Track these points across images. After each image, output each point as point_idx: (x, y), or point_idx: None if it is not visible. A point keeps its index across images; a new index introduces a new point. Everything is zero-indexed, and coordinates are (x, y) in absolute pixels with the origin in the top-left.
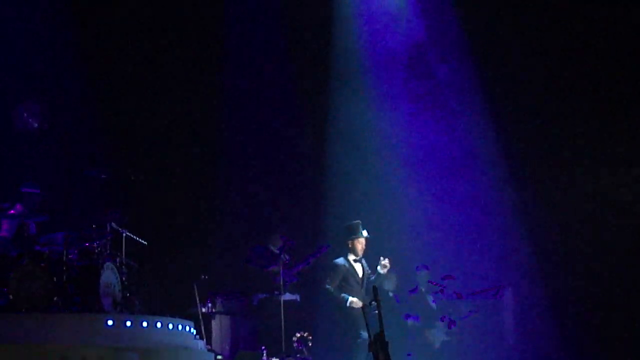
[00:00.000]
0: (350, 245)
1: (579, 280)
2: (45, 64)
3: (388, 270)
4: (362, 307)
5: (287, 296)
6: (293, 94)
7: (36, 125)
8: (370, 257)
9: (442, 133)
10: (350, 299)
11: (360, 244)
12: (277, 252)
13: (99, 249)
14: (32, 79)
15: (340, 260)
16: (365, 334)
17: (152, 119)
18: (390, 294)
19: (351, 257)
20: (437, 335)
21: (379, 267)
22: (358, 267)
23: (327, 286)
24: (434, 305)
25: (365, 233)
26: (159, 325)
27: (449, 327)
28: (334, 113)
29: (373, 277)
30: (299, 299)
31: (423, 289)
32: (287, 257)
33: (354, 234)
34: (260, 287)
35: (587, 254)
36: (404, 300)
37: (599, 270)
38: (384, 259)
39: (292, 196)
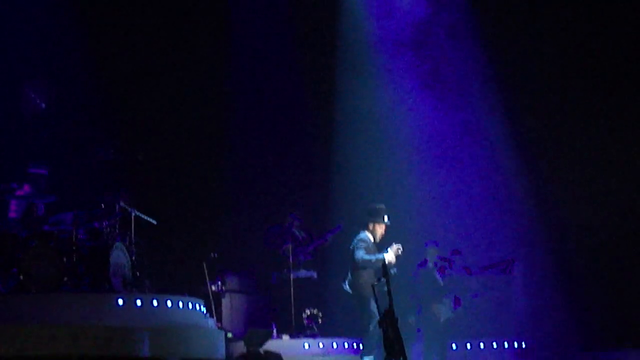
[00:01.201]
0: (371, 228)
1: (589, 255)
2: (52, 45)
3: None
4: (372, 285)
5: (302, 273)
6: (301, 74)
7: (43, 105)
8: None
9: (450, 110)
10: (386, 255)
11: (380, 229)
12: (287, 227)
13: (108, 229)
14: (39, 60)
15: (365, 236)
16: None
17: (161, 98)
18: (392, 271)
19: (370, 238)
20: (444, 311)
21: (390, 251)
22: (375, 248)
23: (365, 256)
24: (441, 280)
25: (386, 219)
26: (169, 304)
27: (454, 307)
28: (341, 93)
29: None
30: (315, 277)
31: (431, 265)
32: (303, 234)
33: (376, 217)
34: (272, 265)
35: (597, 228)
36: (413, 274)
37: (609, 244)
38: (397, 245)
39: (301, 175)
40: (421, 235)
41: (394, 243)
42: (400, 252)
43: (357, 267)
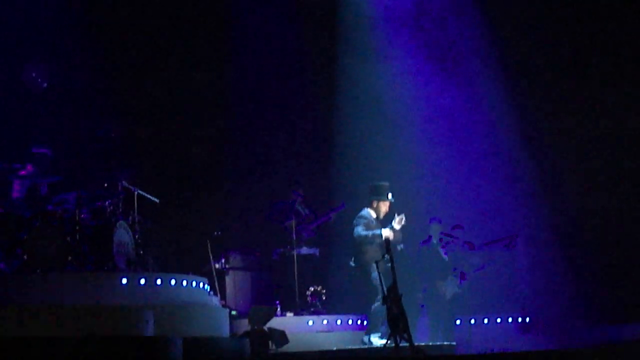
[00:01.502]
0: (374, 205)
1: (593, 229)
2: (53, 24)
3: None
4: (376, 262)
5: (305, 250)
6: (303, 51)
7: (45, 85)
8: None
9: (453, 87)
10: (385, 231)
11: (385, 206)
12: (290, 203)
13: (111, 208)
14: (41, 39)
15: (366, 213)
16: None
17: (163, 76)
18: (399, 247)
19: (372, 214)
20: (449, 287)
21: (394, 223)
22: (378, 225)
23: (362, 232)
24: (445, 257)
25: (390, 196)
26: (173, 282)
27: (460, 281)
28: (344, 69)
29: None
30: (317, 253)
31: (435, 241)
32: (307, 211)
33: (380, 195)
34: (275, 242)
35: (601, 202)
36: (418, 252)
37: (613, 218)
38: (399, 215)
39: (305, 152)
40: (425, 212)
41: (396, 214)
42: (404, 222)
43: (357, 243)
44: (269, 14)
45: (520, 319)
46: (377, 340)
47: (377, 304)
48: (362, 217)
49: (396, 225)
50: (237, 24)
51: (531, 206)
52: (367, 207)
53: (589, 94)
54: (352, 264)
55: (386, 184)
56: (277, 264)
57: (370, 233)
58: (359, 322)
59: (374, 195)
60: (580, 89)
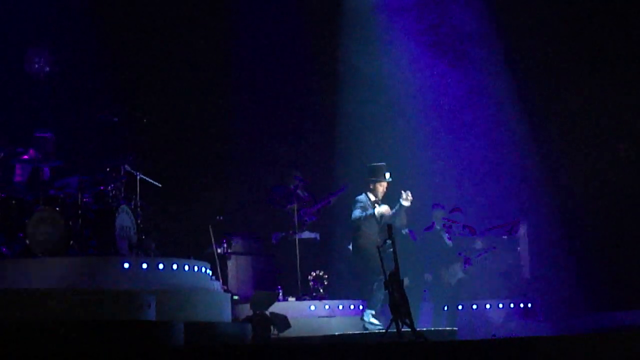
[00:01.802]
0: (371, 187)
1: (595, 215)
2: (56, 8)
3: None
4: (377, 247)
5: (306, 234)
6: (306, 35)
7: (47, 69)
8: (388, 198)
9: (454, 70)
10: (377, 208)
11: (382, 187)
12: (292, 189)
13: (113, 192)
14: (44, 23)
15: (362, 197)
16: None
17: (166, 61)
18: (404, 231)
19: (371, 197)
20: (453, 273)
21: (401, 200)
22: (377, 208)
23: (355, 215)
24: (449, 242)
25: (388, 176)
26: (175, 267)
27: (464, 266)
28: (346, 53)
29: (395, 209)
30: (318, 238)
31: (438, 227)
32: (306, 194)
33: (377, 176)
34: (276, 227)
35: (603, 188)
36: (420, 236)
37: (616, 204)
38: (405, 192)
39: (306, 136)
40: (427, 198)
41: (402, 191)
42: (410, 197)
43: (354, 227)
44: (275, 6)
45: (522, 305)
46: (370, 318)
47: (377, 284)
48: (357, 201)
49: (404, 202)
50: (240, 9)
51: (534, 192)
52: (365, 189)
53: (593, 78)
54: (349, 247)
55: (383, 164)
56: (277, 248)
57: (364, 214)
58: (360, 307)
59: (371, 176)
60: (585, 73)
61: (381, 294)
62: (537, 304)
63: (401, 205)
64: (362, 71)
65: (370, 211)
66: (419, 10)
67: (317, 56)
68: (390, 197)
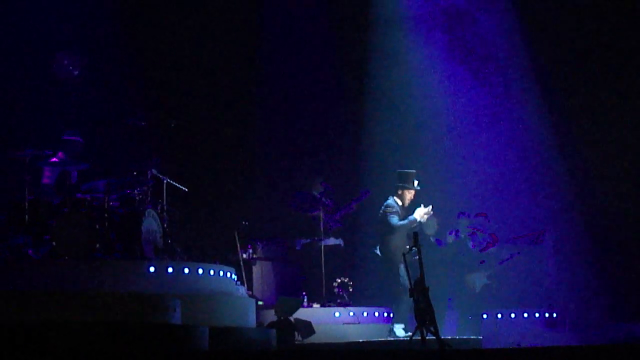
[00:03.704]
0: (399, 193)
1: (621, 225)
2: (85, 12)
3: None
4: (403, 254)
5: (331, 241)
6: (333, 41)
7: (77, 73)
8: (415, 206)
9: (481, 80)
10: (415, 214)
11: (409, 194)
12: (318, 197)
13: (140, 196)
14: (73, 27)
15: (392, 202)
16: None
17: (193, 66)
18: (432, 239)
19: (398, 202)
20: (478, 280)
21: (419, 211)
22: (404, 214)
23: (396, 222)
24: (474, 250)
25: (416, 184)
26: (200, 271)
27: (500, 263)
28: (374, 60)
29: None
30: (342, 244)
31: (463, 235)
32: (329, 202)
33: (405, 183)
34: (302, 233)
35: (630, 199)
36: (445, 245)
37: None
38: (427, 207)
39: (331, 143)
40: (453, 207)
41: (422, 205)
42: (427, 215)
43: (386, 232)
44: (301, 5)
45: (547, 315)
46: (400, 331)
47: (404, 295)
48: (389, 206)
49: (417, 215)
50: (268, 15)
51: (560, 202)
52: (393, 195)
53: (623, 87)
54: (377, 252)
55: (413, 171)
56: (302, 254)
57: (406, 222)
58: (385, 314)
59: (400, 182)
60: (614, 83)
61: (407, 305)
62: (563, 313)
63: (418, 220)
64: (388, 80)
65: (412, 218)
66: (446, 21)
67: (344, 64)
68: (416, 205)
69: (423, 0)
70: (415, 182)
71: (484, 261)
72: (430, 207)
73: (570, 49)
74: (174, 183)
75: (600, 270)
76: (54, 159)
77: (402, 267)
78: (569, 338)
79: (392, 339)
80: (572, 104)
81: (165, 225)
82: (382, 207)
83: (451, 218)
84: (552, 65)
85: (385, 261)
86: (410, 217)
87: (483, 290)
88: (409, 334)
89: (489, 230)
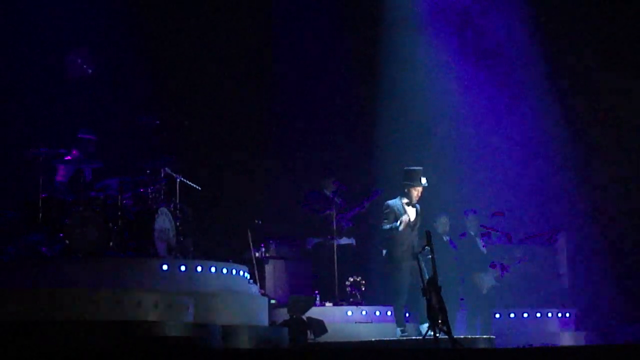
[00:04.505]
0: (406, 190)
1: (634, 225)
2: (98, 11)
3: (440, 214)
4: (416, 253)
5: (343, 240)
6: (346, 41)
7: (90, 71)
8: (424, 203)
9: (493, 79)
10: (400, 221)
11: (416, 191)
12: (331, 196)
13: (153, 195)
14: (86, 26)
15: (392, 202)
16: (405, 280)
17: (206, 64)
18: (445, 238)
19: (404, 201)
20: (486, 280)
21: (402, 219)
22: (411, 212)
23: (385, 227)
24: (484, 249)
25: (424, 181)
26: (213, 269)
27: (501, 275)
28: (386, 60)
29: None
30: (354, 243)
31: (472, 233)
32: (341, 201)
33: (412, 181)
34: (314, 232)
35: None
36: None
37: None
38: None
39: (344, 141)
40: (465, 205)
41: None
42: (406, 223)
43: (385, 237)
44: (313, 4)
45: (560, 314)
46: (427, 330)
47: (401, 299)
48: (386, 206)
49: (401, 224)
50: (280, 15)
51: (574, 201)
52: (400, 192)
53: (635, 88)
54: (384, 253)
55: (419, 168)
56: (315, 253)
57: (388, 227)
58: None
59: (406, 180)
60: (627, 83)
61: (401, 310)
62: (575, 313)
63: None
64: (400, 79)
65: (395, 224)
66: (457, 21)
67: (357, 63)
68: (427, 202)
69: (435, 1)
70: (423, 180)
71: (495, 265)
72: (409, 218)
73: (585, 47)
74: (187, 181)
75: (614, 270)
76: (68, 157)
77: (404, 267)
78: (582, 338)
79: (405, 338)
80: (587, 102)
81: (178, 223)
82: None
83: (462, 216)
84: (568, 65)
85: (389, 264)
86: (395, 224)
87: (492, 289)
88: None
89: (504, 230)
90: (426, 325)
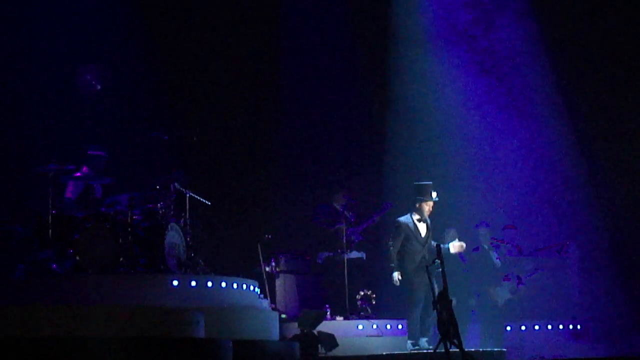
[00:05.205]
0: (417, 206)
1: None
2: (107, 27)
3: (448, 228)
4: (426, 266)
5: (353, 254)
6: (354, 54)
7: (99, 87)
8: (435, 217)
9: (503, 92)
10: (394, 274)
11: (428, 206)
12: (341, 210)
13: (163, 210)
14: (95, 41)
15: (404, 219)
16: (420, 294)
17: (215, 80)
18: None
19: (415, 217)
20: (501, 294)
21: (450, 247)
22: (422, 227)
23: (390, 243)
24: (498, 262)
25: (435, 195)
26: (223, 284)
27: (517, 287)
28: (395, 75)
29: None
30: (364, 257)
31: (485, 246)
32: (351, 215)
33: (423, 196)
34: (324, 246)
35: None
36: (469, 258)
37: None
38: (458, 242)
39: (354, 155)
40: (475, 218)
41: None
42: (462, 249)
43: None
44: (321, 15)
45: (571, 326)
46: (410, 345)
47: (415, 312)
48: (397, 224)
49: (452, 249)
50: (288, 27)
51: (584, 213)
52: (411, 208)
53: None
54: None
55: (429, 183)
56: (325, 267)
57: (391, 265)
58: None
59: (417, 194)
60: (636, 90)
61: (416, 323)
62: (586, 325)
63: (448, 249)
64: (410, 94)
65: (393, 274)
66: (464, 35)
67: (366, 78)
68: (438, 216)
69: (442, 16)
70: (434, 194)
71: (509, 279)
72: (462, 244)
73: (592, 59)
74: (197, 197)
75: (625, 281)
76: (78, 174)
77: (416, 282)
78: (593, 350)
79: (415, 351)
80: (597, 115)
81: (188, 238)
82: None
83: (473, 230)
84: (577, 78)
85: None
86: (393, 268)
87: (508, 302)
88: (431, 346)
89: (515, 242)
90: (425, 339)
